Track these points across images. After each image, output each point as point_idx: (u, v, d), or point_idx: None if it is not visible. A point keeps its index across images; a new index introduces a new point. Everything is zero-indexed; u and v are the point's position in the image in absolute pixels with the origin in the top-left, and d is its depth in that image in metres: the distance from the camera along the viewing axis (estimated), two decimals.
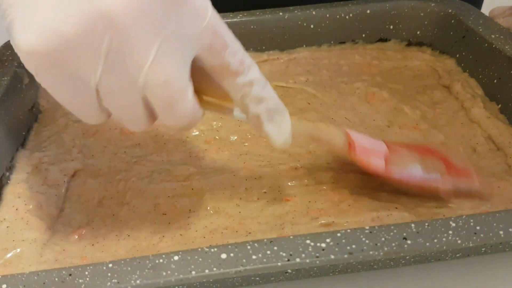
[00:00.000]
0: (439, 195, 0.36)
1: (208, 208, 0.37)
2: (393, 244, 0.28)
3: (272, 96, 0.31)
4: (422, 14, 0.56)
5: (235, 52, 0.28)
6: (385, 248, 0.27)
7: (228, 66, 0.28)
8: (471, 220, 0.29)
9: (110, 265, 0.27)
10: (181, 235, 0.35)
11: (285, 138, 0.32)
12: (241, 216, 0.36)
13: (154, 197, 0.38)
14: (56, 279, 0.26)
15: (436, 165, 0.37)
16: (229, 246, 0.28)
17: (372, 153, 0.36)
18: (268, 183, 0.39)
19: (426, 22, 0.56)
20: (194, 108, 0.28)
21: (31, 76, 0.48)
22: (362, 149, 0.36)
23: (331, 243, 0.28)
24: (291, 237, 0.28)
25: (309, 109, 0.47)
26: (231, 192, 0.38)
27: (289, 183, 0.39)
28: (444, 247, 0.28)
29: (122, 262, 0.27)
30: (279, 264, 0.27)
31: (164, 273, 0.26)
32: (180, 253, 0.27)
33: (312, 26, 0.55)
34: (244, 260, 0.27)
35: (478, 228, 0.28)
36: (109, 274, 0.26)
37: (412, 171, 0.36)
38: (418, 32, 0.56)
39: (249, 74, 0.29)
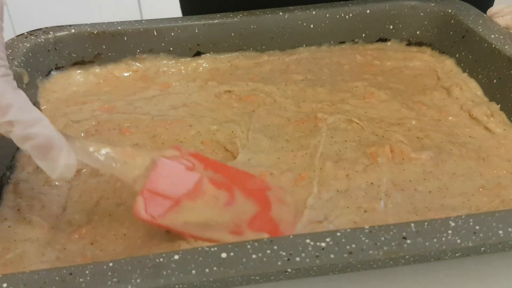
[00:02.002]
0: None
1: None
2: (393, 244, 0.28)
3: (41, 134, 0.31)
4: (422, 14, 0.56)
5: None
6: (385, 248, 0.27)
7: None
8: (471, 220, 0.29)
9: (111, 264, 0.27)
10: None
11: (60, 172, 0.32)
12: None
13: None
14: (57, 278, 0.26)
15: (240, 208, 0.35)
16: (229, 246, 0.28)
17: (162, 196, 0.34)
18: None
19: (426, 22, 0.56)
20: None
21: (31, 76, 0.48)
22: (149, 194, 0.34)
23: (331, 243, 0.28)
24: (291, 236, 0.28)
25: (308, 109, 0.47)
26: None
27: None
28: (444, 247, 0.28)
29: (123, 261, 0.27)
30: (279, 263, 0.27)
31: (164, 272, 0.26)
32: (181, 252, 0.27)
33: (312, 26, 0.55)
34: (244, 260, 0.27)
35: (477, 227, 0.28)
36: (109, 273, 0.26)
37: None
38: (418, 32, 0.56)
39: (7, 116, 0.31)
